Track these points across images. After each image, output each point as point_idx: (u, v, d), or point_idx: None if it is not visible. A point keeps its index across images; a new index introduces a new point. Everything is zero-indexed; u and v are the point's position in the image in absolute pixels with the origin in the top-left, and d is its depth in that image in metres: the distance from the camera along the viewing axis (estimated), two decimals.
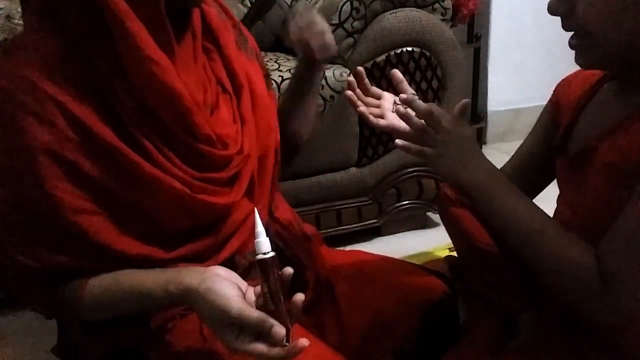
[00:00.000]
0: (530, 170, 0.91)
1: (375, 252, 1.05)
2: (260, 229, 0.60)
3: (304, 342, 0.58)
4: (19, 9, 1.54)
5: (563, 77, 0.88)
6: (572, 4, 0.66)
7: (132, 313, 0.70)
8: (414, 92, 0.85)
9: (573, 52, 0.70)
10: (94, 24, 0.62)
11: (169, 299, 0.65)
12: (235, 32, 0.85)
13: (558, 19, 0.69)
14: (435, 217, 1.69)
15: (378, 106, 0.87)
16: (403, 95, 0.76)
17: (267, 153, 0.83)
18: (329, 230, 1.54)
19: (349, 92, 0.85)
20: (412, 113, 0.75)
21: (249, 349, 0.59)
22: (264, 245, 0.59)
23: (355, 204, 1.56)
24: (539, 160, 0.89)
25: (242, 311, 0.58)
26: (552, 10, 0.68)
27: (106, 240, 0.66)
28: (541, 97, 0.89)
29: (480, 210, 0.75)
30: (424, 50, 1.45)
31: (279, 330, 0.58)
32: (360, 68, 0.85)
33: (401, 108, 0.77)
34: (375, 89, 0.89)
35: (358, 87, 0.88)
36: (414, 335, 0.88)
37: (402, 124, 0.78)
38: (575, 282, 0.66)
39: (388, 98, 0.87)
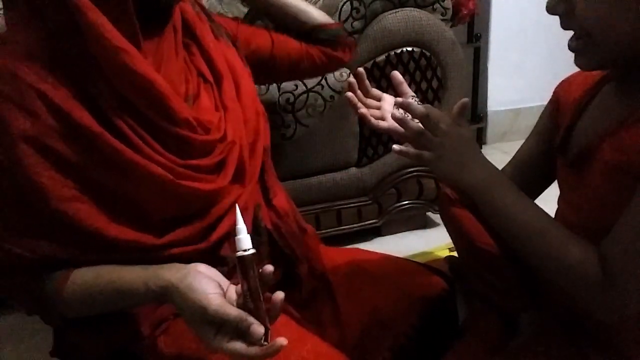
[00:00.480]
0: (531, 171, 0.90)
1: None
2: (240, 225, 0.60)
3: (281, 341, 0.58)
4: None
5: (563, 77, 0.88)
6: (571, 3, 0.65)
7: (113, 310, 0.70)
8: (414, 95, 0.85)
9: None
10: (68, 18, 0.63)
11: (148, 295, 0.65)
12: (208, 22, 0.87)
13: (558, 19, 0.68)
14: (435, 217, 1.69)
15: (378, 108, 0.87)
16: (399, 99, 0.76)
17: (257, 139, 0.84)
18: (329, 230, 1.54)
19: (350, 94, 0.85)
20: (410, 117, 0.74)
21: (227, 347, 0.59)
22: (244, 242, 0.59)
23: (355, 204, 1.56)
24: (539, 161, 0.89)
25: (220, 308, 0.58)
26: (550, 9, 0.67)
27: (97, 227, 0.67)
28: (541, 97, 0.89)
29: (481, 211, 0.75)
30: (424, 50, 1.45)
31: (258, 329, 0.58)
32: (360, 69, 0.85)
33: (397, 112, 0.77)
34: (376, 91, 0.89)
35: (359, 88, 0.87)
36: (413, 333, 0.88)
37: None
38: (579, 281, 0.66)
39: (388, 100, 0.87)
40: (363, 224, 1.59)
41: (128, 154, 0.66)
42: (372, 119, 0.83)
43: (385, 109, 0.85)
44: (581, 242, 0.68)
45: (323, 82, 1.39)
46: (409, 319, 0.88)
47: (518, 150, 0.94)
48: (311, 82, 1.38)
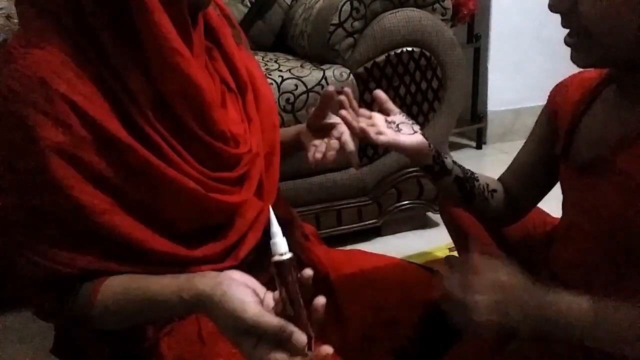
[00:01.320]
0: (531, 178, 0.89)
1: (375, 252, 1.06)
2: (276, 228, 0.57)
3: (327, 349, 0.55)
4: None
5: (563, 77, 0.87)
6: (574, 1, 0.64)
7: (145, 320, 0.68)
8: (400, 111, 0.83)
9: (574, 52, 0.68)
10: (115, 16, 0.61)
11: (182, 306, 0.62)
12: (230, 26, 0.84)
13: (558, 19, 0.68)
14: (435, 217, 1.69)
15: (372, 125, 0.81)
16: (389, 118, 0.74)
17: (273, 150, 0.83)
18: (329, 230, 1.54)
19: (344, 112, 0.79)
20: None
21: (268, 358, 0.55)
22: (280, 246, 0.56)
23: (355, 204, 1.56)
24: (539, 167, 0.87)
25: (259, 317, 0.55)
26: (553, 7, 0.66)
27: (132, 237, 0.65)
28: (541, 97, 0.88)
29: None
30: (424, 50, 1.45)
31: (300, 337, 0.55)
32: (347, 89, 0.80)
33: (393, 107, 0.76)
34: (364, 110, 0.83)
35: (349, 106, 0.82)
36: (414, 335, 0.88)
37: (402, 138, 0.77)
38: None
39: (378, 116, 0.82)
40: (363, 224, 1.59)
41: (161, 168, 0.64)
42: (372, 133, 0.78)
43: (378, 125, 0.81)
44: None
45: (323, 82, 1.39)
46: (410, 321, 0.88)
47: (516, 157, 0.93)
48: (311, 82, 1.38)
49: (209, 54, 0.78)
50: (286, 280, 0.55)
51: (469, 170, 0.87)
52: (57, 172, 0.60)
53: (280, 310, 0.56)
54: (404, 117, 0.82)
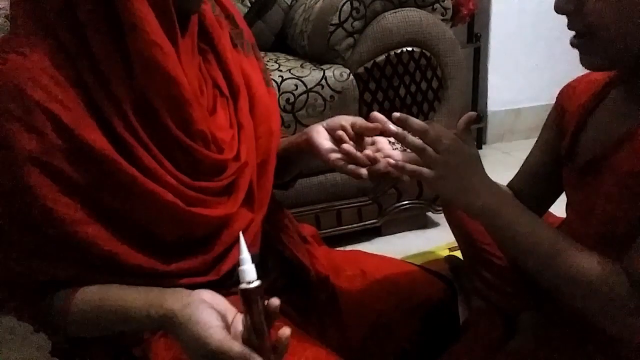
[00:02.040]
0: (540, 182, 0.88)
1: (375, 252, 1.05)
2: (245, 255, 0.55)
3: (285, 331, 0.55)
4: None
5: (563, 77, 0.87)
6: (580, 1, 0.63)
7: (118, 331, 0.68)
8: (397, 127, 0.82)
9: (573, 52, 0.68)
10: (100, 10, 0.61)
11: (150, 323, 0.63)
12: (229, 26, 0.82)
13: (558, 19, 0.68)
14: (435, 217, 1.69)
15: (377, 151, 0.78)
16: (396, 114, 0.69)
17: (267, 159, 0.80)
18: (329, 230, 1.54)
19: (346, 146, 0.74)
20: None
21: None
22: (248, 273, 0.55)
23: (355, 204, 1.56)
24: (548, 171, 0.86)
25: (223, 344, 0.55)
26: (559, 8, 0.65)
27: (106, 250, 0.64)
28: (541, 97, 0.89)
29: (490, 234, 0.70)
30: (424, 50, 1.45)
31: None
32: (340, 132, 0.76)
33: (392, 127, 0.71)
34: (367, 139, 0.80)
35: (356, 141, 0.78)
36: (414, 336, 0.88)
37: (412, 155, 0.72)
38: (605, 302, 0.62)
39: (382, 141, 0.80)
40: (363, 224, 1.59)
41: (138, 179, 0.63)
42: (382, 167, 0.74)
43: (385, 149, 0.78)
44: (604, 259, 0.63)
45: (323, 82, 1.39)
46: (411, 323, 0.88)
47: (525, 162, 0.92)
48: (311, 82, 1.38)
49: (204, 56, 0.76)
50: (251, 308, 0.54)
51: None
52: (30, 181, 0.59)
53: (246, 337, 0.56)
54: (408, 117, 0.80)
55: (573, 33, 0.67)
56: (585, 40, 0.65)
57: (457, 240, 1.21)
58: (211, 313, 0.58)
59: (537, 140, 0.90)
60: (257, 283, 0.55)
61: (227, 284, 0.72)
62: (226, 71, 0.78)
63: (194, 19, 0.73)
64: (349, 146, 0.74)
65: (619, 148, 0.68)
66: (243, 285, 0.55)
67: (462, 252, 1.22)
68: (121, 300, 0.65)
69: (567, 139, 0.79)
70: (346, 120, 0.79)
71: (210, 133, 0.70)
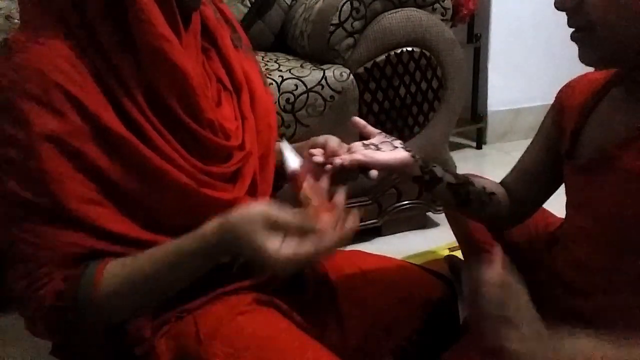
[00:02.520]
0: (536, 179, 0.88)
1: (375, 252, 1.05)
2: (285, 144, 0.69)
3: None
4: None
5: (563, 77, 0.87)
6: None
7: (156, 298, 0.67)
8: (380, 132, 0.83)
9: (573, 52, 0.68)
10: (110, 8, 0.63)
11: (207, 248, 0.63)
12: (229, 30, 0.85)
13: (558, 19, 0.68)
14: (435, 217, 1.69)
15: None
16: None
17: (268, 152, 0.83)
18: None
19: (318, 157, 0.75)
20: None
21: (299, 249, 0.58)
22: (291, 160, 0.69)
23: (355, 204, 1.56)
24: (545, 169, 0.87)
25: (282, 209, 0.58)
26: (559, 4, 0.65)
27: (117, 231, 0.65)
28: (541, 97, 0.89)
29: None
30: (424, 50, 1.45)
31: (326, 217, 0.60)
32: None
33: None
34: (345, 145, 0.80)
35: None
36: (415, 336, 0.88)
37: (379, 155, 0.77)
38: None
39: (357, 144, 0.80)
40: (363, 224, 1.59)
41: (154, 160, 0.65)
42: (344, 157, 0.75)
43: (355, 148, 0.79)
44: None
45: (323, 82, 1.39)
46: (411, 322, 0.88)
47: (520, 160, 0.91)
48: (311, 82, 1.38)
49: (207, 54, 0.79)
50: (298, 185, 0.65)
51: (463, 175, 0.87)
52: (46, 158, 0.61)
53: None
54: (384, 136, 0.82)
55: (573, 30, 0.67)
56: (585, 35, 0.65)
57: (458, 240, 1.21)
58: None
59: (534, 138, 0.90)
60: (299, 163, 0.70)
61: (229, 273, 0.75)
62: (229, 67, 0.81)
63: (195, 18, 0.75)
64: (319, 154, 0.76)
65: (624, 148, 0.68)
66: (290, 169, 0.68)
67: (462, 252, 1.22)
68: (158, 251, 0.65)
69: (567, 137, 0.79)
70: (322, 139, 0.82)
71: (218, 122, 0.73)
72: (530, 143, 0.90)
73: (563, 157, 0.81)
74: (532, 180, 0.88)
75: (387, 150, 0.79)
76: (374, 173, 0.76)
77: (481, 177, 0.91)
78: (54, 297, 0.64)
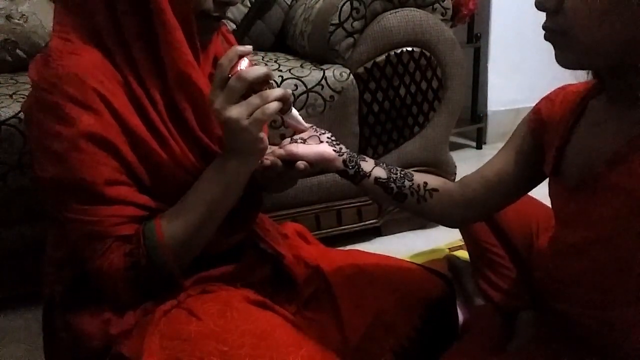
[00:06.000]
0: (505, 186, 0.85)
1: (375, 252, 1.06)
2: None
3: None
4: (19, 9, 1.56)
5: (563, 77, 0.86)
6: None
7: (219, 217, 0.78)
8: (312, 126, 0.85)
9: None
10: (141, 31, 0.73)
11: (224, 163, 0.75)
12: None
13: None
14: None
15: None
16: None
17: None
18: (329, 230, 1.54)
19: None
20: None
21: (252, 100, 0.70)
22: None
23: (355, 204, 1.56)
24: (516, 180, 0.84)
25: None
26: (539, 4, 0.64)
27: (141, 201, 0.76)
28: (541, 97, 0.88)
29: None
30: (424, 50, 1.45)
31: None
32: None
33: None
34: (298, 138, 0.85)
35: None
36: (414, 334, 0.88)
37: (298, 149, 0.80)
38: None
39: (285, 140, 0.84)
40: (363, 224, 1.59)
41: (169, 164, 0.76)
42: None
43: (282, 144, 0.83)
44: None
45: (323, 82, 1.39)
46: (410, 321, 0.88)
47: (490, 163, 0.87)
48: (311, 82, 1.38)
49: (211, 79, 0.83)
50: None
51: (401, 170, 0.85)
52: (86, 151, 0.70)
53: None
54: (314, 130, 0.84)
55: (545, 32, 0.66)
56: (560, 36, 0.63)
57: (464, 240, 1.21)
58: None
59: (507, 144, 0.87)
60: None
61: (229, 259, 0.85)
62: None
63: (209, 50, 0.84)
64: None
65: (611, 164, 0.66)
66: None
67: (468, 251, 1.22)
68: (194, 187, 0.77)
69: (552, 153, 0.77)
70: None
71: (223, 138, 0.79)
72: (504, 147, 0.87)
73: (545, 174, 0.80)
74: (499, 185, 0.85)
75: (312, 144, 0.81)
76: (300, 166, 0.79)
77: (430, 175, 0.89)
78: (125, 259, 0.73)
